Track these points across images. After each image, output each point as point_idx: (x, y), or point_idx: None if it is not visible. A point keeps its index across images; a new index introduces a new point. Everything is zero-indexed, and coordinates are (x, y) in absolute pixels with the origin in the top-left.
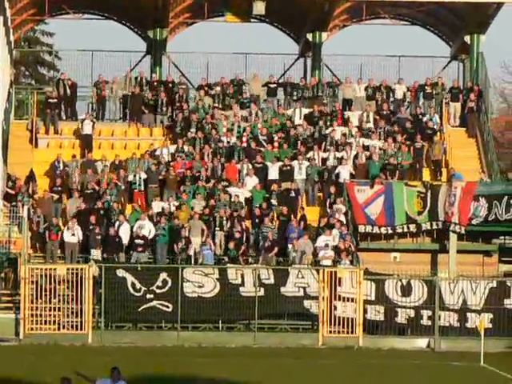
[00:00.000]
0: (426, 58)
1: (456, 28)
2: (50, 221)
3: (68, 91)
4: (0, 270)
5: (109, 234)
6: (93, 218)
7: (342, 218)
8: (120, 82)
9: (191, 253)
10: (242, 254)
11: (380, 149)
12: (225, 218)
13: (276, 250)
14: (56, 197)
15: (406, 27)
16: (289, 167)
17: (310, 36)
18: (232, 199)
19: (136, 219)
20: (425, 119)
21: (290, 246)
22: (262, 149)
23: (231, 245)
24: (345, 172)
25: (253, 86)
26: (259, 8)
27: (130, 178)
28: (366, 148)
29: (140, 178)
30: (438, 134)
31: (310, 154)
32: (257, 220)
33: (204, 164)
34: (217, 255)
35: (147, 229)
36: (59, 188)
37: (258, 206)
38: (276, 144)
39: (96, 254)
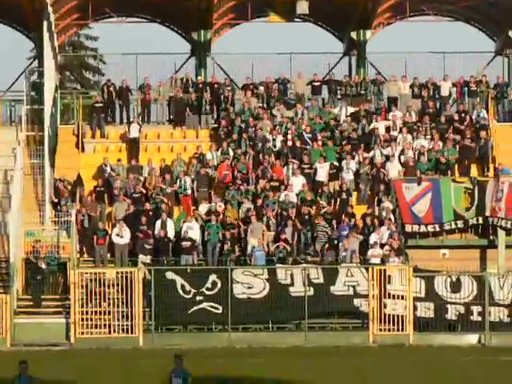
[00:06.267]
0: (470, 54)
1: (500, 23)
2: (96, 225)
3: (114, 95)
4: (49, 274)
5: (156, 237)
6: (143, 220)
7: (391, 216)
8: (166, 85)
9: (248, 253)
10: (291, 254)
11: (428, 149)
12: (272, 219)
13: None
14: (99, 210)
15: (449, 23)
16: (336, 167)
17: (354, 34)
18: (281, 199)
19: (183, 221)
20: (472, 115)
21: (340, 244)
22: (307, 147)
23: (280, 245)
24: (393, 169)
25: (297, 84)
26: (303, 7)
27: (177, 183)
28: (412, 146)
29: (185, 183)
30: (485, 129)
31: (356, 153)
32: (306, 219)
33: (249, 166)
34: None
35: (195, 231)
36: (102, 189)
37: (306, 206)
38: (320, 143)
39: (144, 257)
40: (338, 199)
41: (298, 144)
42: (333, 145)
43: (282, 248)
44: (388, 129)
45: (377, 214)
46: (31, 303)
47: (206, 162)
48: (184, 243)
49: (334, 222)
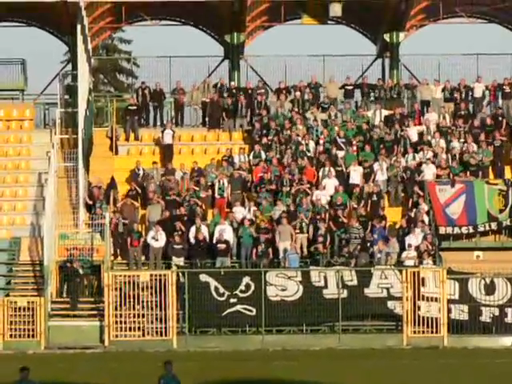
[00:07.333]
0: (505, 56)
1: None
2: (131, 227)
3: (148, 98)
4: (84, 277)
5: (190, 240)
6: (178, 224)
7: (425, 218)
8: (199, 89)
9: (281, 256)
10: (324, 257)
11: (461, 151)
12: (305, 222)
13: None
14: (137, 204)
15: (483, 25)
16: (369, 169)
17: (387, 36)
18: (314, 203)
19: (215, 224)
20: (506, 118)
21: (375, 247)
22: (342, 152)
23: (314, 248)
24: (429, 172)
25: (329, 88)
26: (336, 10)
27: (215, 184)
28: (445, 149)
29: (223, 185)
30: None
31: (390, 156)
32: (339, 221)
33: (282, 168)
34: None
35: (228, 233)
36: (135, 193)
37: (339, 208)
38: (354, 148)
39: (178, 260)
40: (369, 201)
41: (332, 150)
42: (369, 150)
43: (320, 250)
44: (421, 134)
45: (412, 216)
46: (65, 306)
47: (236, 165)
48: (219, 245)
49: (368, 224)
